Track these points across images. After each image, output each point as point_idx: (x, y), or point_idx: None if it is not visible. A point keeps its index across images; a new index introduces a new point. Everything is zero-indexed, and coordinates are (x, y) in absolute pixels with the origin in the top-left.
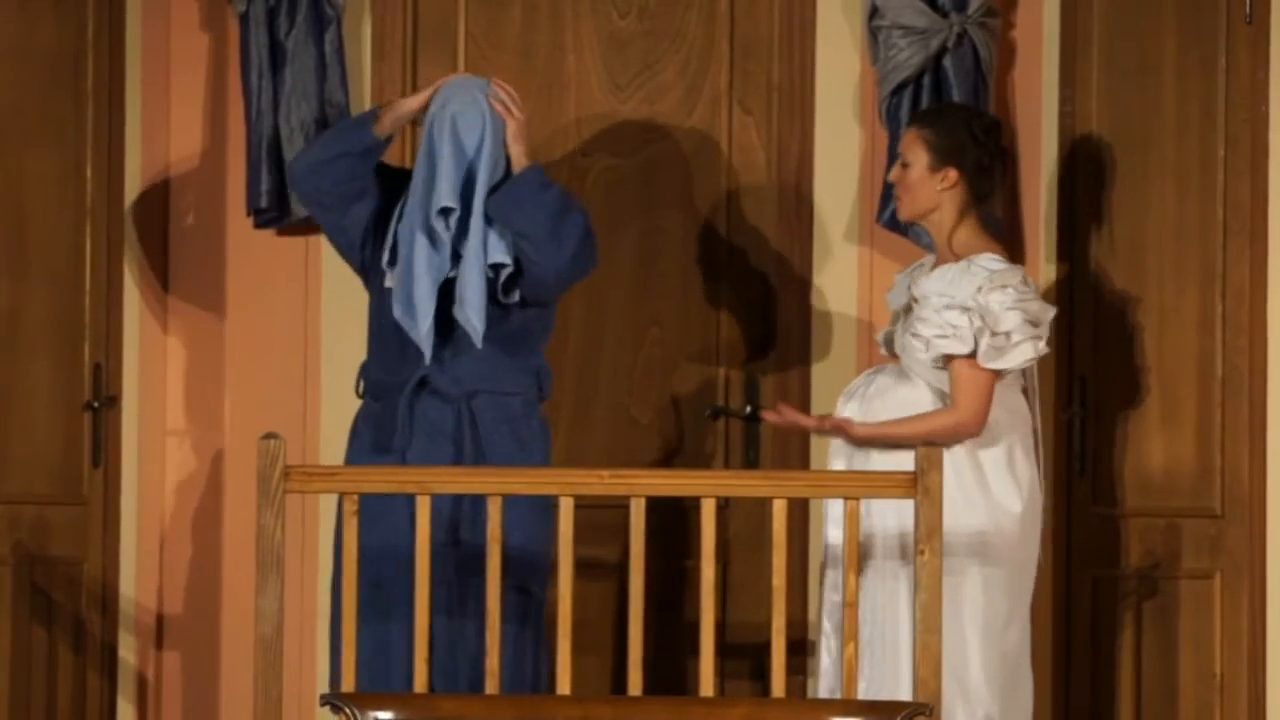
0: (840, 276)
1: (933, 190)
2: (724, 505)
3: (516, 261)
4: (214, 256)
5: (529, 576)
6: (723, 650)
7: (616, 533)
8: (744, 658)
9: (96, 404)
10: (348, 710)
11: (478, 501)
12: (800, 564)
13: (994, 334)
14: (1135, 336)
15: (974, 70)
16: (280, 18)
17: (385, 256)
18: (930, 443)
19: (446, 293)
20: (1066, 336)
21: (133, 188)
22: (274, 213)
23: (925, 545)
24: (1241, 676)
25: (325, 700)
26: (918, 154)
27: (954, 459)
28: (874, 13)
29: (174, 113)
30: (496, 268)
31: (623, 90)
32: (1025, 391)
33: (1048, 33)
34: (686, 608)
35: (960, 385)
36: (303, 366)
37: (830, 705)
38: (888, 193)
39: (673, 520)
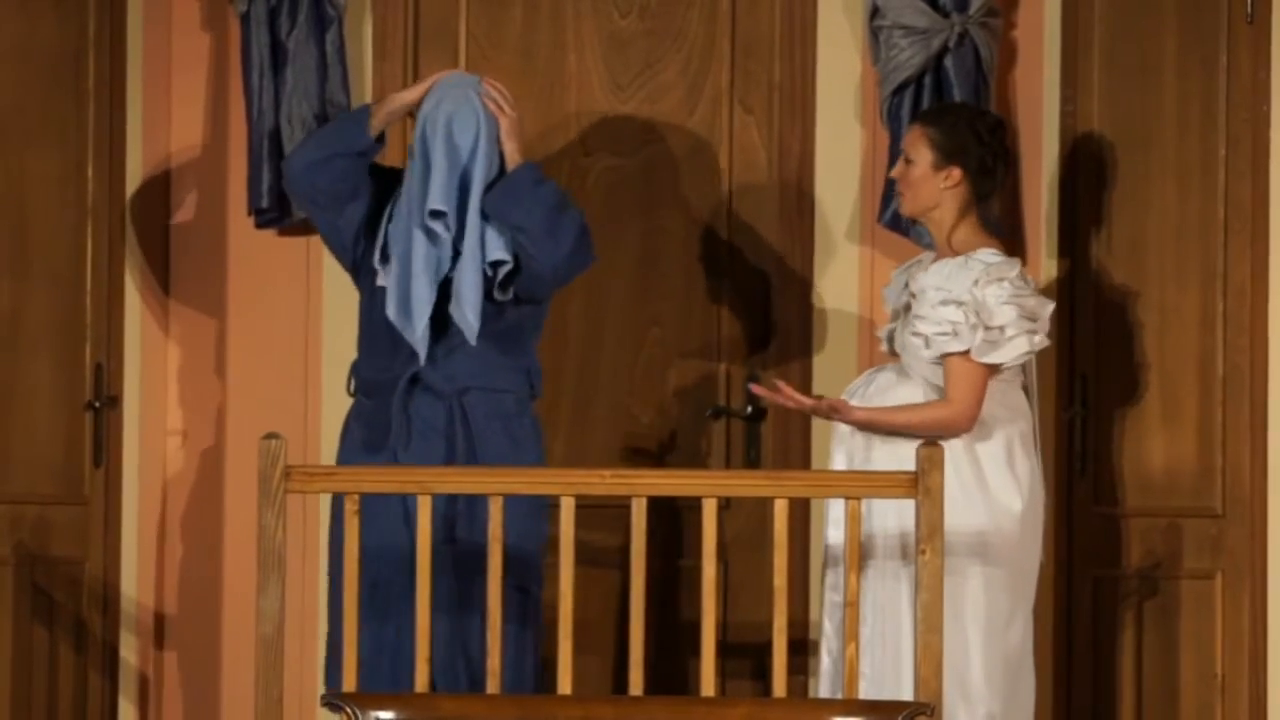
0: (841, 276)
1: (935, 188)
2: (725, 505)
3: (514, 258)
4: (215, 256)
5: (525, 575)
6: (724, 650)
7: (617, 533)
8: (745, 658)
9: (98, 404)
10: (349, 710)
11: (472, 499)
12: (801, 564)
13: (988, 328)
14: (1136, 336)
15: (975, 70)
16: (281, 17)
17: (377, 255)
18: (924, 434)
19: (441, 291)
20: (1067, 335)
21: (134, 187)
22: (275, 213)
23: (926, 545)
24: (1242, 677)
25: (326, 700)
26: (921, 152)
27: (953, 457)
28: (875, 12)
29: (175, 112)
30: (495, 265)
31: (624, 90)
32: (1025, 388)
33: (1049, 32)
34: (684, 608)
35: (953, 379)
36: (304, 366)
37: (831, 705)
38: (889, 192)
39: (668, 520)
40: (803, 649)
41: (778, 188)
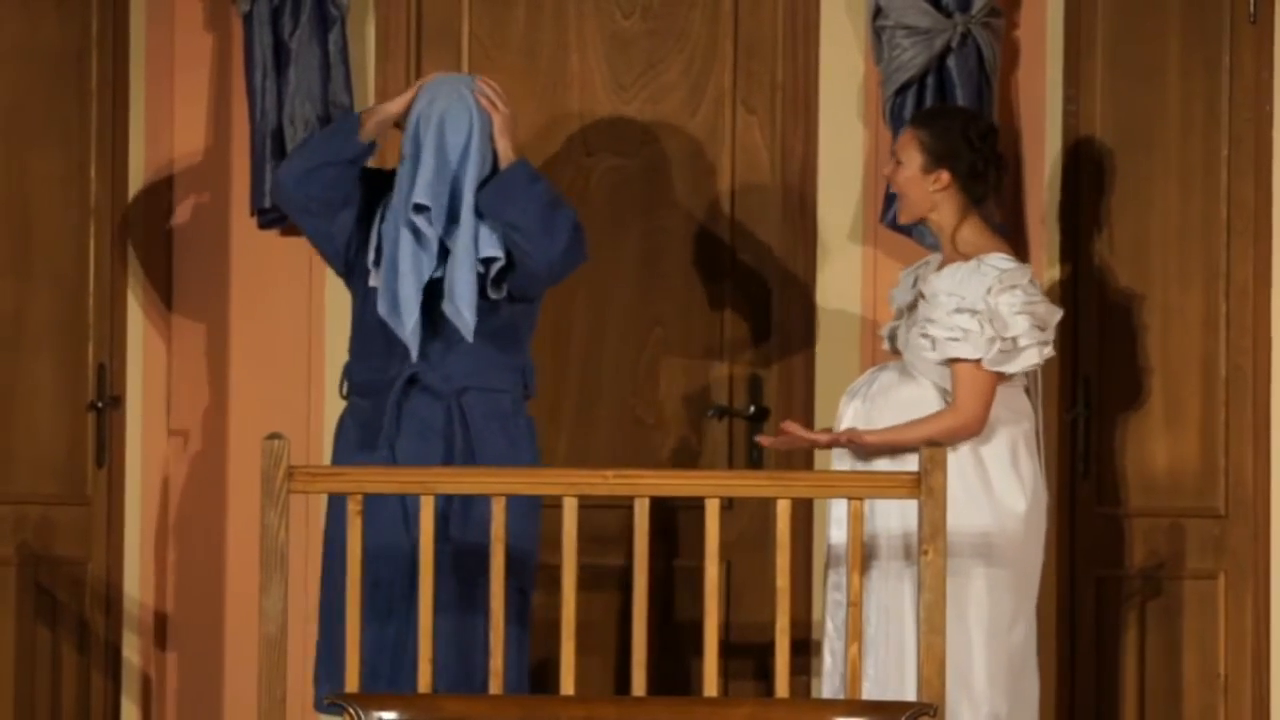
0: (843, 276)
1: (925, 191)
2: (728, 505)
3: (508, 255)
4: (218, 256)
5: (521, 576)
6: (727, 650)
7: (620, 533)
8: (748, 658)
9: (100, 404)
10: (352, 710)
11: (467, 498)
12: (804, 564)
13: (1003, 339)
14: (1139, 336)
15: (978, 70)
16: (284, 17)
17: (371, 256)
18: (934, 444)
19: (434, 289)
20: (1070, 336)
21: (136, 188)
22: (277, 213)
23: (929, 545)
24: (1245, 677)
25: (330, 701)
26: (911, 155)
27: (958, 459)
28: (878, 13)
29: (178, 113)
30: (488, 262)
31: (626, 90)
32: (1028, 390)
33: (1051, 33)
34: (686, 608)
35: (963, 386)
36: (306, 366)
37: (834, 705)
38: (891, 192)
39: (663, 520)
40: (805, 649)
41: (780, 188)
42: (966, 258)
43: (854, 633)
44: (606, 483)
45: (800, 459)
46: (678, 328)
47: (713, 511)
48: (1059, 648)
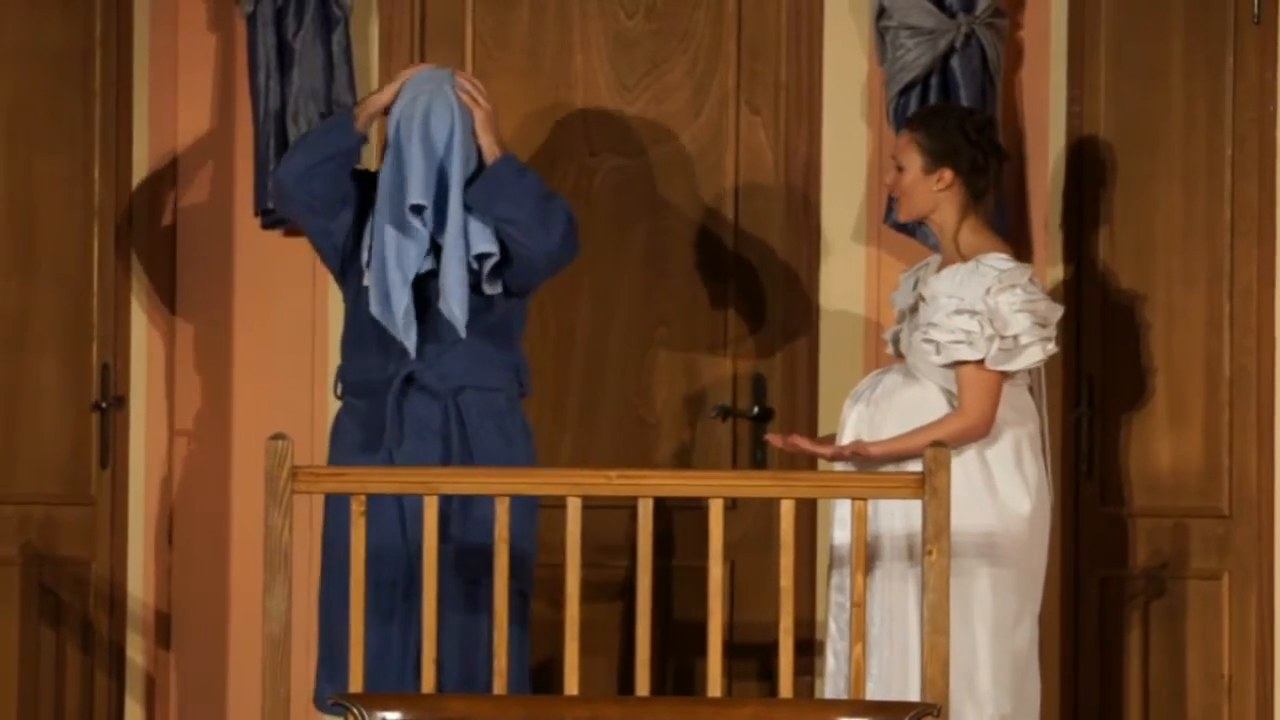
0: (847, 276)
1: (929, 192)
2: (731, 505)
3: (502, 250)
4: (221, 256)
5: (521, 577)
6: (730, 651)
7: (621, 535)
8: (751, 658)
9: (104, 404)
10: (355, 710)
11: (466, 498)
12: (808, 565)
13: (1003, 337)
14: (1142, 336)
15: (981, 71)
16: (288, 18)
17: (364, 257)
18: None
19: (429, 288)
20: (1074, 336)
21: (140, 188)
22: (281, 213)
23: (933, 546)
24: (1249, 677)
25: (334, 701)
26: (911, 158)
27: (962, 459)
28: (881, 13)
29: (181, 113)
30: (481, 258)
31: (630, 90)
32: (1031, 390)
33: (1055, 33)
34: (689, 608)
35: (968, 388)
36: (310, 367)
37: (838, 705)
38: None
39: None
40: (809, 650)
41: (784, 188)
42: (966, 258)
43: (858, 633)
44: (610, 483)
45: (804, 459)
46: (681, 327)
47: (716, 512)
48: (1063, 648)
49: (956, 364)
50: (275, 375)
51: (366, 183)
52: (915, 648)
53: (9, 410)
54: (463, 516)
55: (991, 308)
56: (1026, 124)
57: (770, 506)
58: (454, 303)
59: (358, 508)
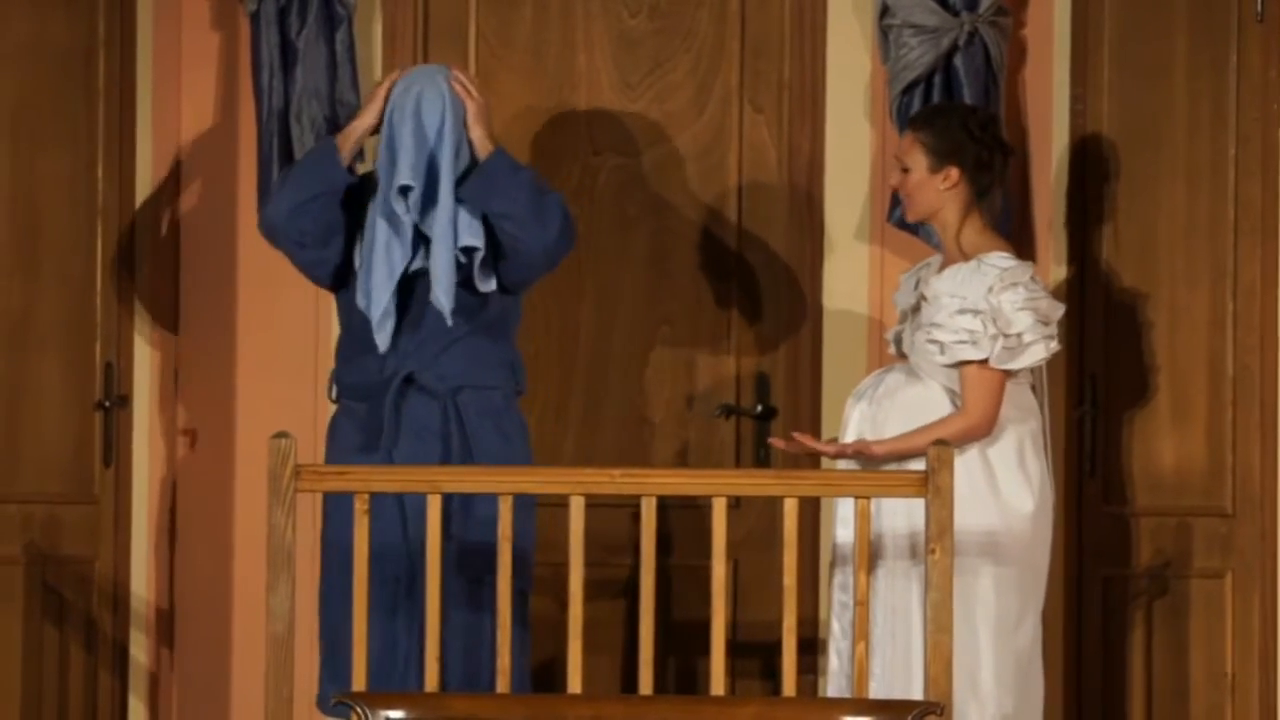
0: (851, 275)
1: (935, 191)
2: (735, 504)
3: (494, 245)
4: (224, 255)
5: (521, 576)
6: (733, 649)
7: (622, 535)
8: (755, 657)
9: (107, 403)
10: (359, 709)
11: (467, 497)
12: (811, 563)
13: (1006, 336)
14: (1146, 335)
15: (984, 69)
16: (291, 17)
17: (357, 261)
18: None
19: (423, 286)
20: (1077, 335)
21: (143, 187)
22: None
23: (936, 544)
24: (1253, 676)
25: (338, 700)
26: (916, 158)
27: (964, 458)
28: (885, 11)
29: (185, 111)
30: (468, 251)
31: (633, 89)
32: (1034, 388)
33: (1059, 32)
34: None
35: (971, 387)
36: (313, 365)
37: (841, 704)
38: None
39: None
40: (812, 648)
41: (787, 187)
42: (968, 257)
43: (861, 631)
44: (613, 481)
45: (808, 459)
46: (684, 326)
47: (720, 510)
48: (1066, 647)
49: (961, 364)
50: (278, 373)
51: (359, 187)
52: (918, 646)
53: (12, 409)
54: (463, 515)
55: (994, 306)
56: (1030, 123)
57: (773, 505)
58: (440, 291)
59: (361, 506)
